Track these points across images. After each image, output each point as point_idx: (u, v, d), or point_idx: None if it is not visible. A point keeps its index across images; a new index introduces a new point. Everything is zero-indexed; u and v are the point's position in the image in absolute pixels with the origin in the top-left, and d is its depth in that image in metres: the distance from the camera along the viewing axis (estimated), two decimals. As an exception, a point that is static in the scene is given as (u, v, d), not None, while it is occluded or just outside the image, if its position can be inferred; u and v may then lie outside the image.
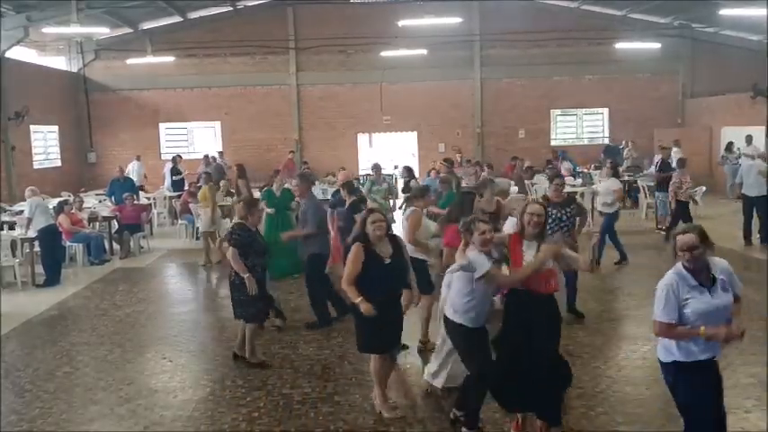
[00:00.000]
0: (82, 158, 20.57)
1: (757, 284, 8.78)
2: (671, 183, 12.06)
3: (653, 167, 15.56)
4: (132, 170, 17.39)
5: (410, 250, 4.92)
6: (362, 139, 22.15)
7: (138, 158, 18.38)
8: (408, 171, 13.57)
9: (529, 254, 4.48)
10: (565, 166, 17.17)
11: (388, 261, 5.03)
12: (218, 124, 21.28)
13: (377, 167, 12.44)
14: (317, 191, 12.85)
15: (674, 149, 17.69)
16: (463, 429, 4.76)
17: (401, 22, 17.47)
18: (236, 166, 15.02)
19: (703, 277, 3.62)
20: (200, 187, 12.14)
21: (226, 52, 20.20)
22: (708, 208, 14.82)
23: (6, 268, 10.27)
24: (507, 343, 4.53)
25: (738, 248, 11.19)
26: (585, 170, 17.54)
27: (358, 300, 4.92)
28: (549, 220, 7.20)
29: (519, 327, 4.47)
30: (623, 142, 19.50)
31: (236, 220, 6.94)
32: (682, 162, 12.50)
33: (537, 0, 20.50)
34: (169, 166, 18.14)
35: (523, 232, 4.56)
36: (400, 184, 14.29)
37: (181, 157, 18.39)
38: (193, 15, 20.32)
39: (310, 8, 20.25)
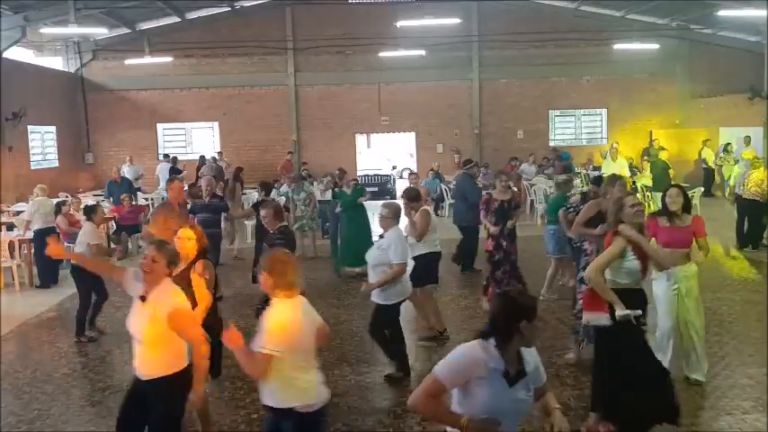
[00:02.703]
0: (79, 159, 20.51)
1: (755, 284, 8.80)
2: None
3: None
4: (124, 172, 17.32)
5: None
6: (361, 139, 22.16)
7: (131, 161, 18.26)
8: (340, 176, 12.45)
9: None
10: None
11: None
12: (216, 125, 21.24)
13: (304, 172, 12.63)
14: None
15: (704, 149, 17.81)
16: None
17: (399, 23, 17.46)
18: (235, 169, 14.96)
19: None
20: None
21: (224, 53, 20.15)
22: (705, 209, 14.83)
23: (4, 269, 10.23)
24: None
25: (735, 249, 11.23)
26: (584, 170, 17.54)
27: None
28: None
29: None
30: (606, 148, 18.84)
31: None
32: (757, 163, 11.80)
33: (535, 1, 20.52)
34: (162, 166, 18.07)
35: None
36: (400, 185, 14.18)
37: (169, 156, 18.29)
38: (191, 16, 20.27)
39: (308, 8, 20.21)
